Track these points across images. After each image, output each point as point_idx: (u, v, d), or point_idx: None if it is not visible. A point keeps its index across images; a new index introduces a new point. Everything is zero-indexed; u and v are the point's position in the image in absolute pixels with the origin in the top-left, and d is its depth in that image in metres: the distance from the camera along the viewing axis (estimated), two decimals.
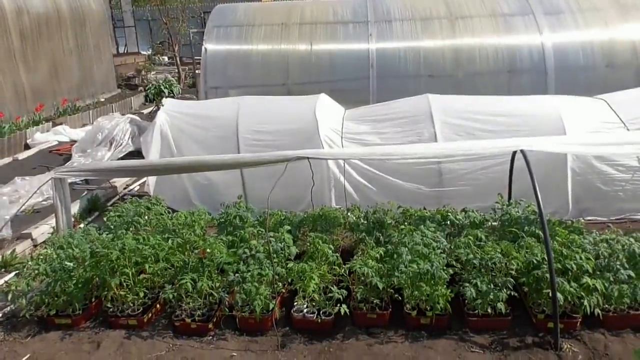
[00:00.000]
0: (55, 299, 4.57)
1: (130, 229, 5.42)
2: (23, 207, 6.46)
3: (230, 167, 5.91)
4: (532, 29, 9.66)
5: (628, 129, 6.24)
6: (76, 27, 14.81)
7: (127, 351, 4.22)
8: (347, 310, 4.28)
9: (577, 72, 9.29)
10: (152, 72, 20.48)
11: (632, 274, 4.25)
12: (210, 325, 4.44)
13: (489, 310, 4.23)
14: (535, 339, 4.17)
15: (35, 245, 6.40)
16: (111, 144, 10.12)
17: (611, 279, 4.24)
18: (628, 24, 9.53)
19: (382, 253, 4.77)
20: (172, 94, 16.48)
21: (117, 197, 8.08)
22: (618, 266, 4.31)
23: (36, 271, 4.62)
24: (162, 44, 25.22)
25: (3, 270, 5.71)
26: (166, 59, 24.10)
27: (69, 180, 8.13)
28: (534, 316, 4.33)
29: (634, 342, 4.04)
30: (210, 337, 4.39)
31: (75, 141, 10.63)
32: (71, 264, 4.64)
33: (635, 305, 4.26)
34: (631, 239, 4.62)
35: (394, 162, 6.50)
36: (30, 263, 4.75)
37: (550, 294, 4.00)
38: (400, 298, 4.49)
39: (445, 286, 4.34)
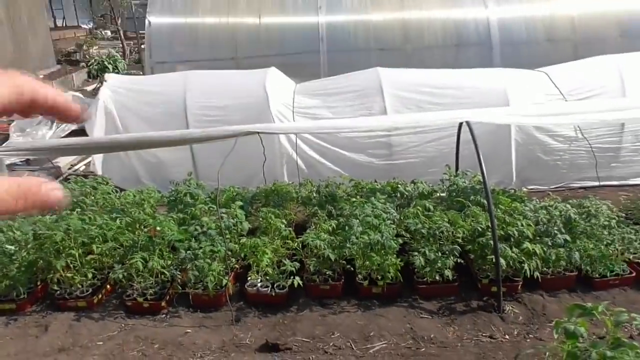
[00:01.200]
0: None
1: (76, 209, 5.24)
2: None
3: (179, 144, 5.79)
4: (478, 2, 9.84)
5: (566, 100, 6.52)
6: None
7: (77, 333, 4.14)
8: (301, 283, 4.35)
9: (520, 46, 9.57)
10: (95, 47, 19.58)
11: (568, 238, 4.52)
12: (163, 304, 4.40)
13: (437, 278, 4.40)
14: (480, 303, 4.38)
15: None
16: (52, 122, 9.67)
17: (549, 243, 4.49)
18: None
19: (334, 225, 4.84)
20: (117, 70, 15.83)
21: (61, 177, 7.77)
22: (556, 231, 4.56)
23: None
24: (104, 17, 24.08)
25: None
26: (109, 32, 23.09)
27: (8, 162, 7.77)
28: (479, 281, 4.53)
29: (569, 301, 4.30)
30: (164, 315, 4.36)
31: (12, 120, 10.09)
32: (12, 247, 4.46)
33: (571, 268, 4.53)
34: (567, 205, 4.89)
35: (345, 135, 6.55)
36: None
37: (494, 260, 4.19)
38: (352, 269, 4.58)
39: (395, 256, 4.46)
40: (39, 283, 4.63)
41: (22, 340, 4.08)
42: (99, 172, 6.77)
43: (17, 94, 0.52)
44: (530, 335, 3.95)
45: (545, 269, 4.48)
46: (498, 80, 6.82)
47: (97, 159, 7.02)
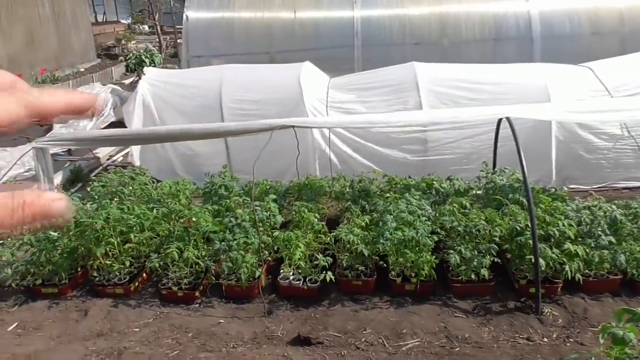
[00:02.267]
0: (41, 268, 4.55)
1: (115, 199, 5.36)
2: (4, 179, 6.33)
3: (215, 136, 5.84)
4: None
5: (612, 97, 6.27)
6: None
7: (114, 319, 4.24)
8: (333, 278, 4.32)
9: (563, 40, 9.27)
10: (133, 42, 20.00)
11: (613, 240, 4.34)
12: (197, 294, 4.45)
13: (473, 276, 4.30)
14: (517, 304, 4.26)
15: None
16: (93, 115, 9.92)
17: (592, 244, 4.33)
18: None
19: (368, 221, 4.80)
20: (153, 64, 16.09)
21: (101, 167, 7.96)
22: (599, 232, 4.39)
23: (20, 241, 4.58)
24: (142, 12, 24.54)
25: None
26: (147, 27, 23.52)
27: (51, 151, 7.99)
28: (516, 282, 4.41)
29: (612, 306, 4.14)
30: (197, 305, 4.41)
31: None
32: (56, 234, 4.60)
33: (615, 270, 4.36)
34: (613, 206, 4.70)
35: (379, 131, 6.48)
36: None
37: (533, 260, 4.07)
38: (385, 265, 4.53)
39: (430, 253, 4.39)
40: (79, 269, 4.77)
41: (64, 324, 4.21)
42: (137, 163, 6.90)
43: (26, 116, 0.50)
44: (571, 339, 3.82)
45: (587, 271, 4.33)
46: (539, 76, 6.63)
47: (135, 150, 7.16)
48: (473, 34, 9.58)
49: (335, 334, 4.00)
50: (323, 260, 4.41)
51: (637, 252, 4.29)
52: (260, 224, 4.79)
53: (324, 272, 4.34)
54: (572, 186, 6.37)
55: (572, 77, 6.68)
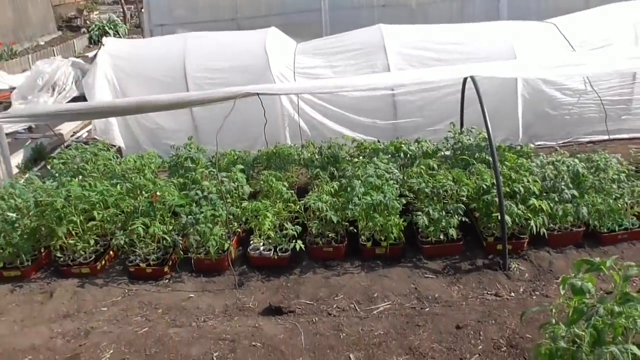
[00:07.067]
0: (1, 251, 4.41)
1: (78, 176, 5.21)
2: None
3: (178, 107, 5.66)
4: None
5: (576, 52, 6.27)
6: None
7: (81, 299, 4.16)
8: (303, 246, 4.30)
9: None
10: (95, 12, 19.24)
11: (576, 193, 4.40)
12: (166, 269, 4.39)
13: (442, 237, 4.34)
14: (485, 261, 4.32)
15: None
16: (54, 90, 9.59)
17: (556, 199, 4.38)
18: None
19: (337, 187, 4.77)
20: (117, 35, 15.61)
21: (64, 145, 7.73)
22: (563, 186, 4.45)
23: None
24: None
25: None
26: None
27: (11, 129, 7.70)
28: (484, 240, 4.46)
29: (576, 257, 4.22)
30: (167, 280, 4.36)
31: (14, 88, 10.01)
32: (14, 215, 4.45)
33: (578, 223, 4.44)
34: (575, 160, 4.75)
35: (349, 95, 6.38)
36: None
37: (499, 217, 4.10)
38: (355, 230, 4.53)
39: (398, 216, 4.39)
40: (42, 250, 4.64)
41: (28, 307, 4.11)
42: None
43: None
44: (537, 292, 3.89)
45: (552, 225, 4.39)
46: (504, 34, 6.57)
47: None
48: None
49: (307, 302, 4.00)
50: (292, 229, 4.38)
51: (599, 203, 4.36)
52: (228, 195, 4.72)
53: (294, 240, 4.31)
54: (539, 143, 6.43)
55: (537, 34, 6.64)
